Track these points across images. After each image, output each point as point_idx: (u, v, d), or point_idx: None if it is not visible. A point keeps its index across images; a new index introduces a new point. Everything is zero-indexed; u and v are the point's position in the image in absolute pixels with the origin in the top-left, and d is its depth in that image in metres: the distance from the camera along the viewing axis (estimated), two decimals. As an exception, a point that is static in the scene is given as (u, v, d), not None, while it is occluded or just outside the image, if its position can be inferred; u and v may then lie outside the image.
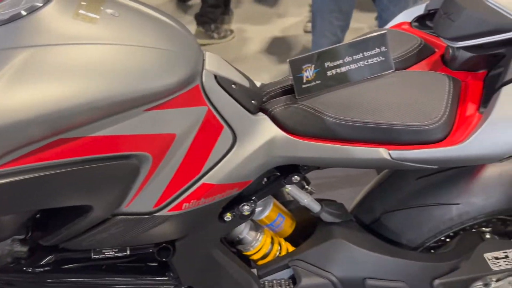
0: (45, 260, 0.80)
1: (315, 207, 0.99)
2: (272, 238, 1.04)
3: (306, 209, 1.06)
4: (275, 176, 0.90)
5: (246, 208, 0.87)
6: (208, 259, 0.90)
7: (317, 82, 0.80)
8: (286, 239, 1.07)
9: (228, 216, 0.87)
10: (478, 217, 0.97)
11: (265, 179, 0.91)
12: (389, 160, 0.77)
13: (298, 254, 0.99)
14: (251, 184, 0.86)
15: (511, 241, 1.05)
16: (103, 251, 0.82)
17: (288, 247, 1.04)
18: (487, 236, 1.07)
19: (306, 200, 0.97)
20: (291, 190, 0.95)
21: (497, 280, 1.08)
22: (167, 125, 0.69)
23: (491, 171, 0.95)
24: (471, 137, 0.72)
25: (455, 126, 0.75)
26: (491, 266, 1.00)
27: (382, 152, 0.76)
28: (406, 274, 0.97)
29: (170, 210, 0.76)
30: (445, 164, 0.79)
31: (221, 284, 0.94)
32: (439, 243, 1.10)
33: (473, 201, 0.95)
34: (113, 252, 0.82)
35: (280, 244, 1.05)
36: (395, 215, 1.02)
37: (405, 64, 0.86)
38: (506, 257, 1.02)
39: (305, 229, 1.05)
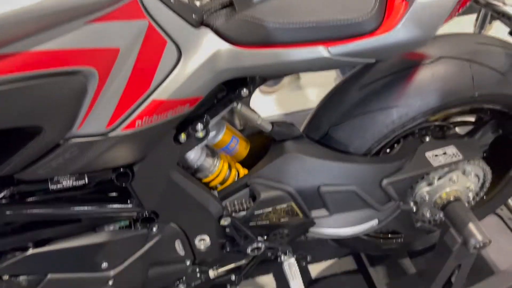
0: (1, 195, 0.79)
1: (267, 126, 1.03)
2: (229, 164, 1.08)
3: (258, 135, 1.10)
4: (225, 93, 0.92)
5: (199, 127, 0.89)
6: (167, 182, 0.92)
7: (255, -8, 0.82)
8: (243, 165, 1.10)
9: (183, 137, 0.89)
10: (417, 117, 1.04)
11: (216, 98, 0.93)
12: (328, 58, 0.81)
13: (255, 173, 1.03)
14: (203, 102, 0.88)
15: (448, 141, 1.14)
16: (61, 180, 0.81)
17: (245, 173, 1.08)
18: (427, 139, 1.16)
19: (258, 120, 1.01)
20: (242, 110, 0.98)
21: (439, 179, 1.18)
22: (109, 39, 0.69)
23: (424, 73, 1.02)
24: (399, 24, 0.78)
25: (385, 17, 0.81)
26: (432, 163, 1.09)
27: (322, 50, 0.81)
28: (357, 177, 1.04)
29: (123, 129, 0.77)
30: (380, 54, 0.84)
31: (183, 207, 0.97)
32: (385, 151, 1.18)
33: (411, 102, 1.02)
34: (71, 181, 0.82)
35: (237, 170, 1.09)
36: (341, 127, 1.08)
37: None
38: (445, 153, 1.11)
39: (260, 155, 1.09)
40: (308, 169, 1.02)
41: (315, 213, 1.07)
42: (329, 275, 1.60)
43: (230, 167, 1.07)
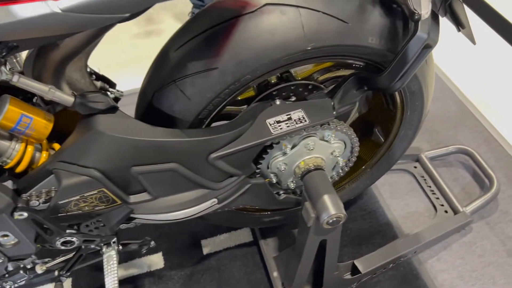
0: None
1: (68, 99, 0.86)
2: (39, 147, 0.91)
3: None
4: None
5: None
6: None
7: None
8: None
9: None
10: (242, 79, 0.88)
11: None
12: (60, 14, 0.63)
13: (58, 156, 0.87)
14: None
15: (297, 103, 0.98)
16: None
17: (62, 153, 0.92)
18: (277, 102, 1.00)
19: (48, 93, 0.83)
20: (21, 83, 0.80)
21: (293, 147, 1.03)
22: None
23: (246, 25, 0.84)
24: None
25: None
26: (272, 131, 0.93)
27: (50, 5, 0.63)
28: (176, 153, 0.88)
29: None
30: (126, 4, 0.66)
31: None
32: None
33: (232, 62, 0.85)
34: None
35: (52, 151, 0.93)
36: (163, 94, 0.91)
37: None
38: (289, 118, 0.95)
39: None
40: (118, 149, 0.86)
41: (136, 198, 0.92)
42: (222, 249, 1.49)
43: (40, 149, 0.91)
